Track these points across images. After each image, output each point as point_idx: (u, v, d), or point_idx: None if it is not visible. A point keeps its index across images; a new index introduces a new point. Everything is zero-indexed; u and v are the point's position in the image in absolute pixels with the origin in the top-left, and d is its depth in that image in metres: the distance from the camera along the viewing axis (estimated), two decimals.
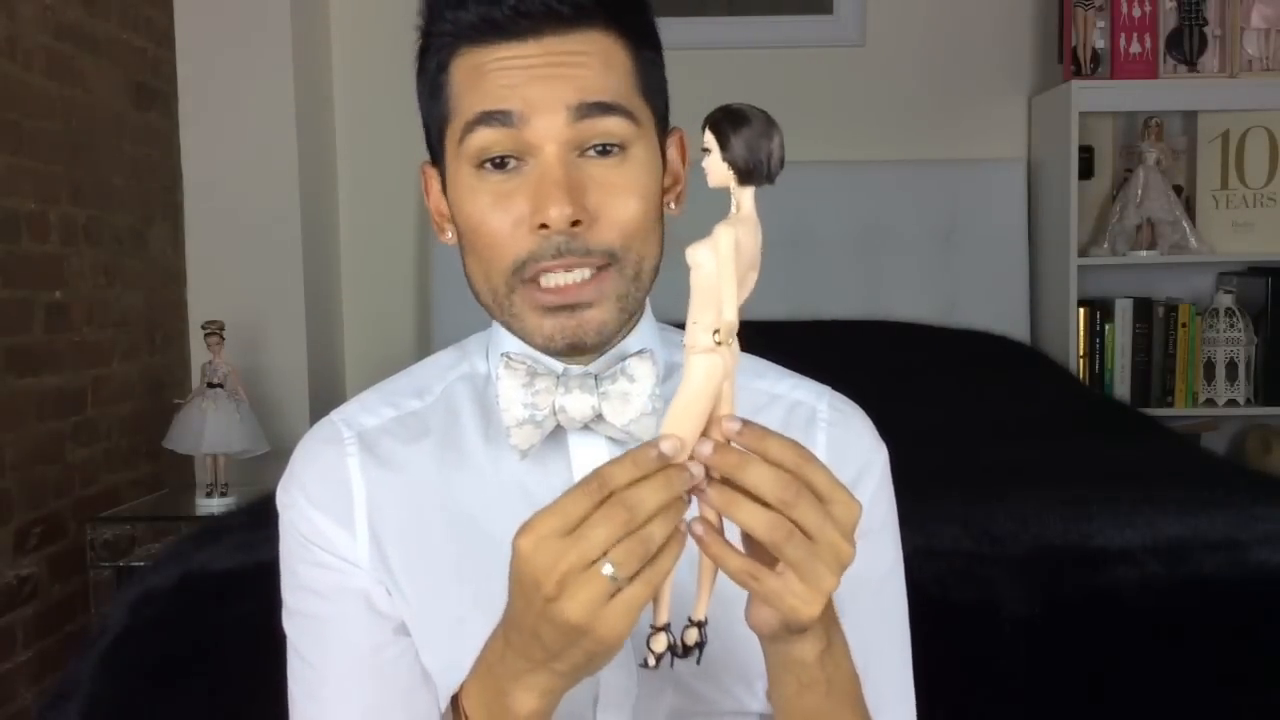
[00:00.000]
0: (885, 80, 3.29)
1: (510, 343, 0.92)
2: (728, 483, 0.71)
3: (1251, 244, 3.13)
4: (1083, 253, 3.08)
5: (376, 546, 0.91)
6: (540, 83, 0.84)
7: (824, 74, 3.25)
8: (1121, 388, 3.12)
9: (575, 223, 0.84)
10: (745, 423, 0.71)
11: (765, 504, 0.70)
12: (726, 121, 0.71)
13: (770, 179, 0.72)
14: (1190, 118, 3.18)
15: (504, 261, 0.86)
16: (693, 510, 0.72)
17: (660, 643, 0.73)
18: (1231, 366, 3.10)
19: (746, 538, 0.72)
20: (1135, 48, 3.00)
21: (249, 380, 2.82)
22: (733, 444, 0.71)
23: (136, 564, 2.38)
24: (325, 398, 2.98)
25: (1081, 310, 3.07)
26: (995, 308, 3.18)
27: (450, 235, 0.93)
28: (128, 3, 2.75)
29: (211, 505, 2.60)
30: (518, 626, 0.73)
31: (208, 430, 2.62)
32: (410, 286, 3.33)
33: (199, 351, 2.86)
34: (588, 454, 0.91)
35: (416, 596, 0.91)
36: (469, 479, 0.92)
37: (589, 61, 0.85)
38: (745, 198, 0.72)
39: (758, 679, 0.93)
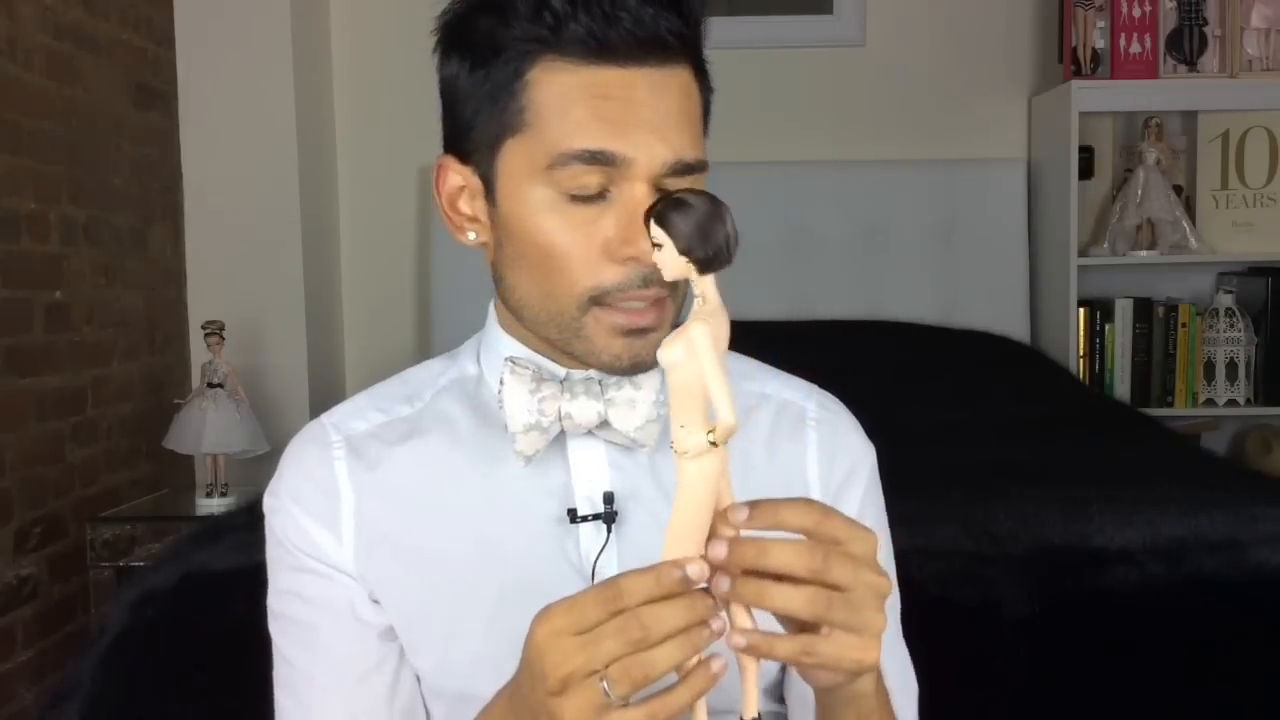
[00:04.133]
0: (885, 80, 3.29)
1: (511, 346, 0.92)
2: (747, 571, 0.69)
3: (1251, 244, 3.13)
4: (1083, 253, 3.08)
5: (363, 550, 0.91)
6: (644, 127, 0.81)
7: (824, 74, 3.24)
8: (1121, 388, 3.12)
9: None
10: (752, 506, 0.69)
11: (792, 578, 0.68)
12: (674, 213, 0.69)
13: (730, 261, 0.70)
14: (1190, 118, 3.17)
15: (579, 286, 0.84)
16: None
17: None
18: (1231, 366, 3.10)
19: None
20: (1135, 48, 3.00)
21: (249, 380, 2.82)
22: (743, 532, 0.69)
23: (136, 564, 2.38)
24: (325, 398, 2.98)
25: (1081, 310, 3.07)
26: (995, 308, 3.18)
27: (473, 237, 0.91)
28: (128, 3, 2.75)
29: (211, 505, 2.60)
30: (524, 700, 0.74)
31: (208, 430, 2.62)
32: (410, 286, 3.33)
33: (199, 351, 2.86)
34: (587, 458, 0.91)
35: (406, 599, 0.91)
36: (462, 482, 0.92)
37: (681, 103, 0.84)
38: (709, 287, 0.70)
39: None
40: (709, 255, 0.69)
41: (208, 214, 3.00)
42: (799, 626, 0.71)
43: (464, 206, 0.90)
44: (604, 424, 0.87)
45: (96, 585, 2.47)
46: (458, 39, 0.87)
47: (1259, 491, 1.81)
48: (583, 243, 0.83)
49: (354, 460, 0.92)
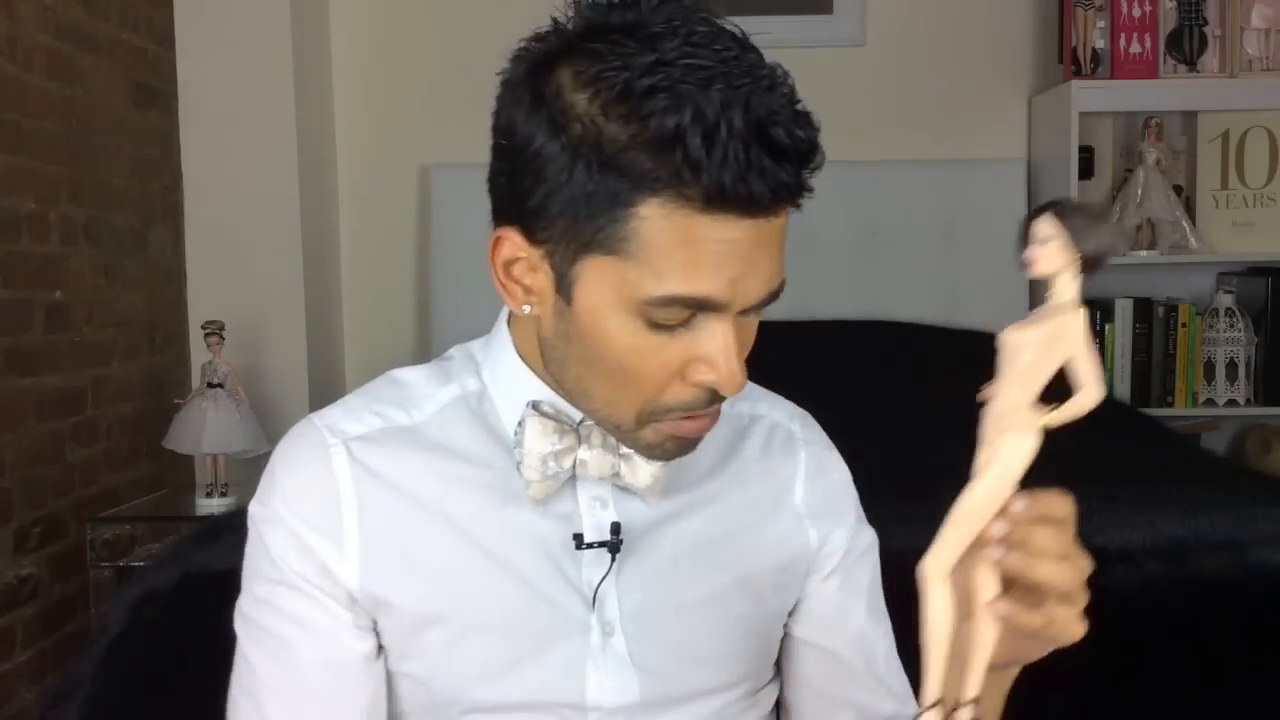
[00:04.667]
0: (885, 80, 3.29)
1: (531, 383, 0.91)
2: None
3: (1251, 244, 3.12)
4: None
5: (368, 557, 0.88)
6: (749, 277, 0.79)
7: (824, 74, 3.24)
8: (1121, 388, 3.12)
9: None
10: (1029, 498, 0.74)
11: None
12: (1079, 214, 0.73)
13: (1103, 267, 0.74)
14: (1190, 118, 3.17)
15: (645, 399, 0.83)
16: None
17: (931, 718, 0.74)
18: (1231, 366, 3.10)
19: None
20: (1135, 48, 3.00)
21: (249, 380, 2.82)
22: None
23: (136, 564, 2.38)
24: (325, 398, 2.96)
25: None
26: (995, 308, 3.17)
27: (528, 310, 0.85)
28: (128, 3, 2.75)
29: (211, 505, 2.60)
30: None
31: (208, 430, 2.62)
32: (410, 286, 3.33)
33: (199, 351, 2.86)
34: (594, 488, 0.92)
35: (409, 607, 0.89)
36: (470, 499, 0.90)
37: (779, 241, 0.82)
38: (1075, 286, 0.74)
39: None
40: (1098, 257, 0.73)
41: (208, 214, 3.00)
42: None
43: (519, 275, 0.85)
44: (615, 474, 0.90)
45: (96, 585, 2.47)
46: (540, 104, 0.78)
47: (1259, 491, 1.81)
48: (660, 366, 0.81)
49: (355, 464, 0.89)
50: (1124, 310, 3.12)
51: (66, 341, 2.47)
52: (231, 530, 1.61)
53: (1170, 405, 3.11)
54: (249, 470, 2.68)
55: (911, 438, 2.30)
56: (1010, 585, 0.74)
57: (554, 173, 0.78)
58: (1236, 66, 3.00)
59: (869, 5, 3.27)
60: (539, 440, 0.87)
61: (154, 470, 2.81)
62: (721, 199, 0.75)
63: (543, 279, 0.83)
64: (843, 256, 3.17)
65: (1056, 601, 0.74)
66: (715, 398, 0.83)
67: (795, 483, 0.99)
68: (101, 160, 2.63)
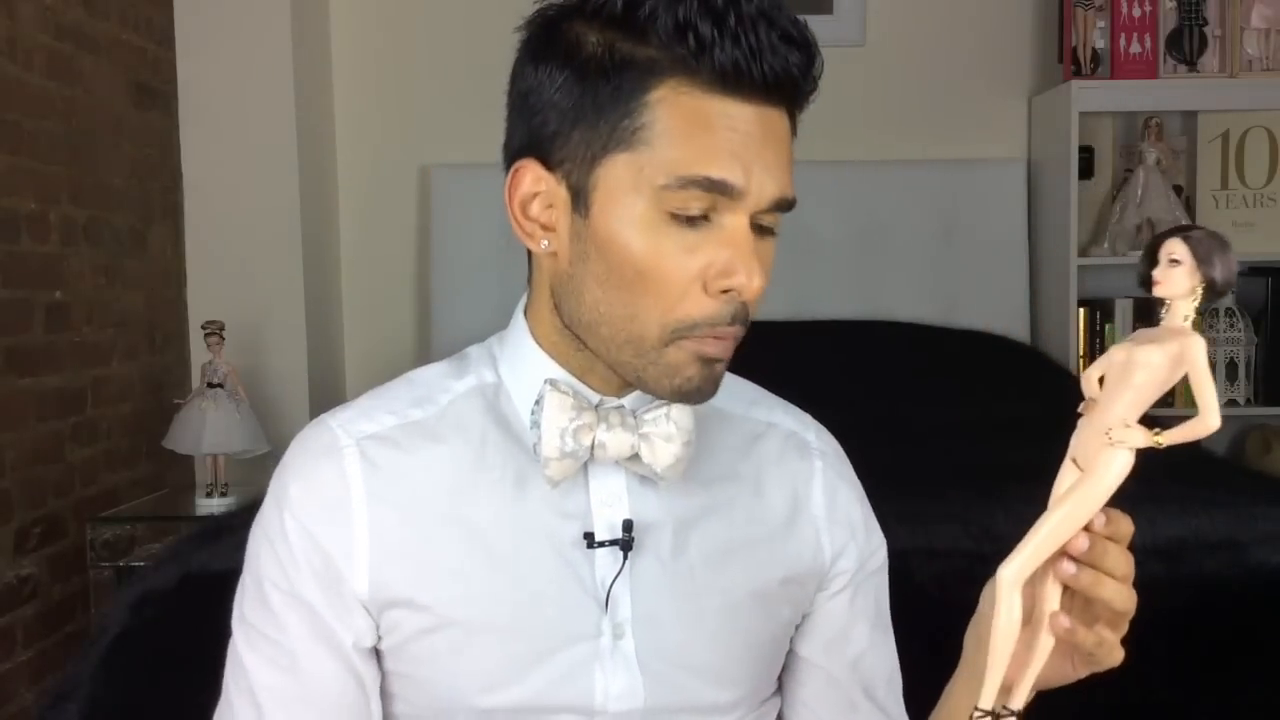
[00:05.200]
0: (885, 80, 3.29)
1: (547, 365, 0.90)
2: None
3: (1251, 244, 3.12)
4: (1083, 253, 3.08)
5: (377, 560, 0.88)
6: (762, 164, 0.82)
7: (824, 74, 3.24)
8: None
9: None
10: (1107, 516, 0.77)
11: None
12: (1213, 243, 0.74)
13: (1225, 295, 0.76)
14: (1190, 118, 3.18)
15: (670, 316, 0.83)
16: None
17: None
18: (1231, 366, 3.10)
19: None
20: (1135, 48, 3.00)
21: (249, 380, 2.82)
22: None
23: (136, 564, 2.38)
24: (325, 398, 2.98)
25: (1081, 310, 3.07)
26: (995, 308, 3.18)
27: (545, 245, 0.87)
28: (128, 3, 2.75)
29: (211, 505, 2.60)
30: None
31: (208, 430, 2.62)
32: (410, 286, 3.32)
33: (199, 351, 2.86)
34: (608, 484, 0.91)
35: (418, 610, 0.88)
36: (481, 495, 0.89)
37: (785, 140, 0.85)
38: (1191, 309, 0.75)
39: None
40: (1223, 288, 0.74)
41: (208, 214, 3.00)
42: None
43: (536, 213, 0.87)
44: (633, 456, 0.88)
45: (96, 585, 2.47)
46: (553, 49, 0.84)
47: (1259, 491, 1.81)
48: (680, 268, 0.82)
49: (367, 464, 0.88)
50: (1124, 310, 3.12)
51: (66, 341, 2.47)
52: (231, 530, 1.62)
53: (1170, 405, 3.10)
54: (249, 470, 2.68)
55: (911, 438, 2.30)
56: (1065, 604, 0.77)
57: (570, 96, 0.83)
58: (1236, 66, 3.00)
59: (869, 5, 3.27)
60: (557, 414, 0.85)
61: (154, 470, 2.81)
62: (735, 76, 0.80)
63: (559, 213, 0.86)
64: (842, 256, 3.17)
65: (1105, 624, 0.76)
66: (738, 314, 0.84)
67: (813, 490, 0.98)
68: (101, 160, 2.63)
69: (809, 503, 0.98)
